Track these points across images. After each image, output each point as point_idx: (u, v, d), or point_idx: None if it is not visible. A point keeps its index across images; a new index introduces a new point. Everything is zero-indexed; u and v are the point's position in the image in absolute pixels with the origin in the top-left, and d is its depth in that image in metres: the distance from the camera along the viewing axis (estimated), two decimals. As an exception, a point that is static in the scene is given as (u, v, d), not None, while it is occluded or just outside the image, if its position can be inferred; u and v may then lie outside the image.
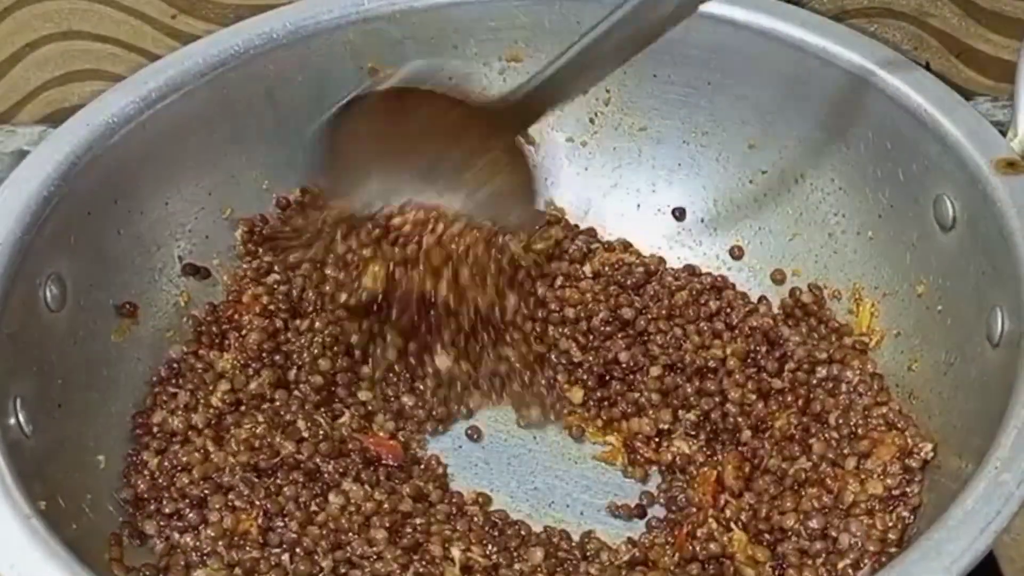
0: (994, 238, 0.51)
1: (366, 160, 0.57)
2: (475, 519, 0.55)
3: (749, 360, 0.59)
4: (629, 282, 0.63)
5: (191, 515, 0.53)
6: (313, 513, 0.53)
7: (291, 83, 0.62)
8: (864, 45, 0.59)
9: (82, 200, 0.55)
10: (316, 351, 0.60)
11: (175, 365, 0.59)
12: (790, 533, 0.52)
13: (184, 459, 0.54)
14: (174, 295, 0.61)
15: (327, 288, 0.61)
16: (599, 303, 0.62)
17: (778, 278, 0.64)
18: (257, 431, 0.55)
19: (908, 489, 0.52)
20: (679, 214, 0.66)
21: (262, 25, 0.61)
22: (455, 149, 0.56)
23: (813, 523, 0.52)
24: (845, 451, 0.54)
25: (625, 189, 0.67)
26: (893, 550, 0.50)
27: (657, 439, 0.58)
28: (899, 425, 0.54)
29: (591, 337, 0.61)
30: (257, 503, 0.53)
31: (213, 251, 0.62)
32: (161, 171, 0.59)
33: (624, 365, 0.60)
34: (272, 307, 0.61)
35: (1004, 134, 0.54)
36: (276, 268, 0.62)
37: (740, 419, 0.57)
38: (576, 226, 0.66)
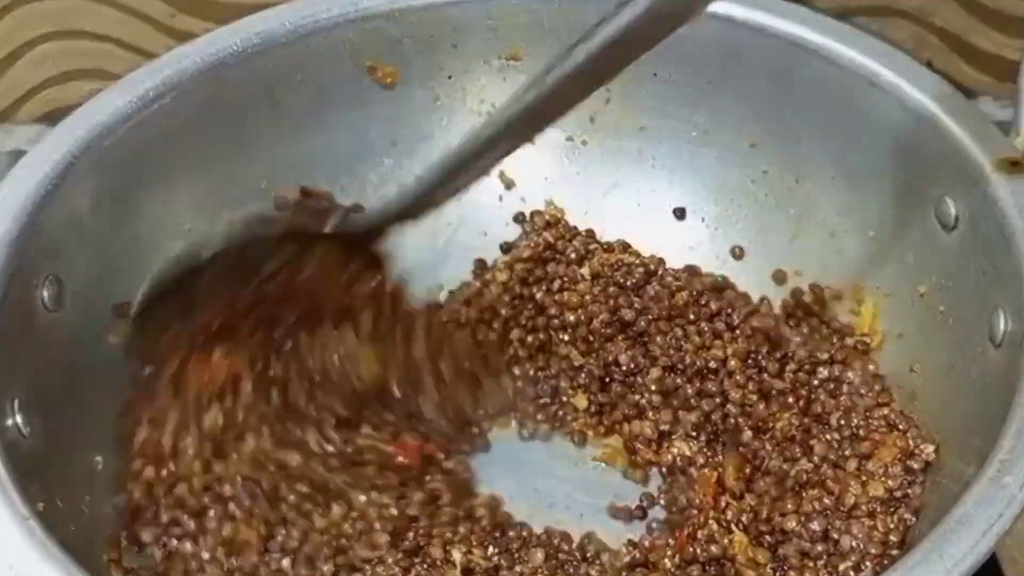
0: (996, 238, 0.51)
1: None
2: (481, 522, 0.55)
3: (750, 361, 0.59)
4: (629, 283, 0.62)
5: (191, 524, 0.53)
6: (316, 520, 0.53)
7: (290, 82, 0.62)
8: (866, 43, 0.58)
9: (80, 200, 0.55)
10: None
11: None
12: (791, 535, 0.52)
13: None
14: (173, 295, 0.60)
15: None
16: (599, 305, 0.61)
17: (779, 278, 0.63)
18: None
19: (910, 491, 0.52)
20: (680, 214, 0.66)
21: (260, 24, 0.61)
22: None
23: (814, 525, 0.52)
24: (846, 452, 0.54)
25: (625, 189, 0.66)
26: (895, 552, 0.50)
27: (658, 440, 0.58)
28: (901, 426, 0.54)
29: (591, 340, 0.61)
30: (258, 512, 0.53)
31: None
32: (159, 170, 0.59)
33: (624, 367, 0.60)
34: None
35: (1007, 133, 0.54)
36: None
37: (741, 420, 0.57)
38: (574, 227, 0.66)
